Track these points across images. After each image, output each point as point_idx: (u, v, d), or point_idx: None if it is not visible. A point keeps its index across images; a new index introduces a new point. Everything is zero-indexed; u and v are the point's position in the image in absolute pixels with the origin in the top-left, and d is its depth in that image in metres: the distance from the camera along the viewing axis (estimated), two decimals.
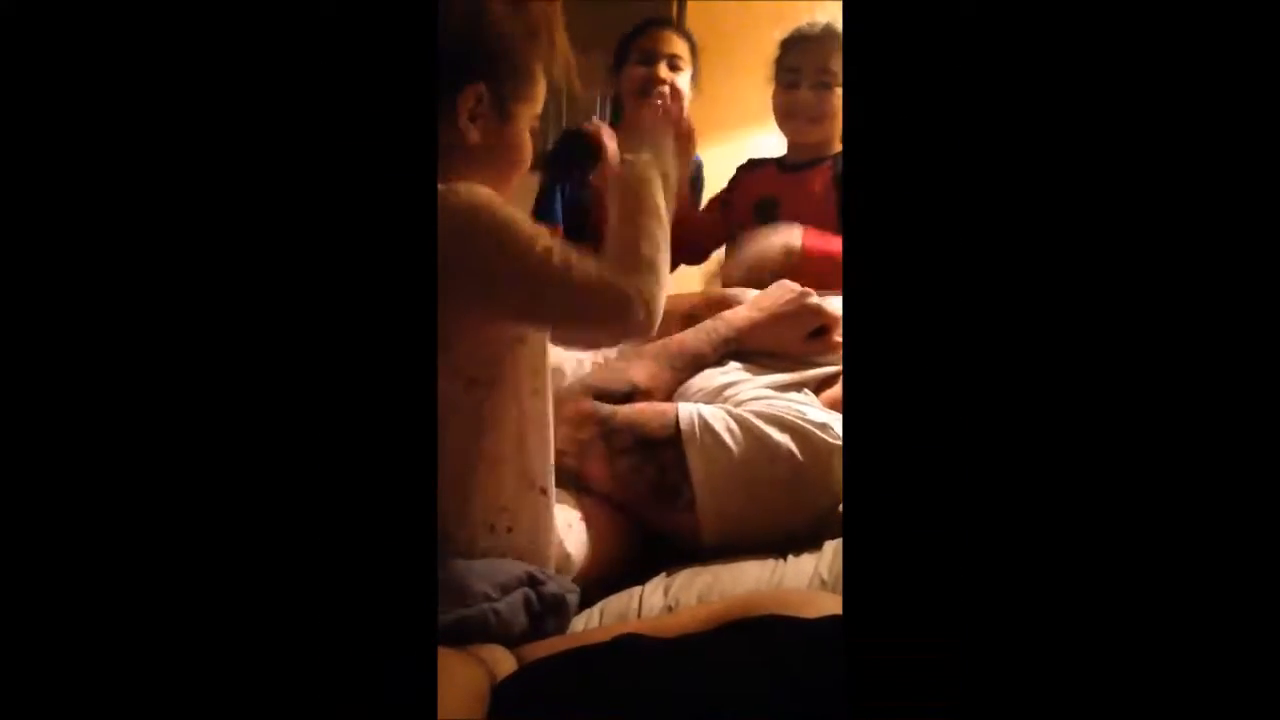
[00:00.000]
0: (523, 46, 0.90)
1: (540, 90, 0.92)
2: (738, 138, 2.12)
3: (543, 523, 0.91)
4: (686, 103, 1.84)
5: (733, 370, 1.15)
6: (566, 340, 0.97)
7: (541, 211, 1.79)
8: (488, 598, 0.77)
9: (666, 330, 1.11)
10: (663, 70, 1.79)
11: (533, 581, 0.81)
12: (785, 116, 1.70)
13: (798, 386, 1.13)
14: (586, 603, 0.89)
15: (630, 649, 0.63)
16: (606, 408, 1.07)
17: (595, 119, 1.83)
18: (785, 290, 1.20)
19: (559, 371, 1.08)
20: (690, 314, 1.23)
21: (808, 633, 0.60)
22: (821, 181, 1.65)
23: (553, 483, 0.93)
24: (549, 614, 0.82)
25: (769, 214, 1.69)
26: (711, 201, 1.85)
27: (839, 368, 1.17)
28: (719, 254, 1.82)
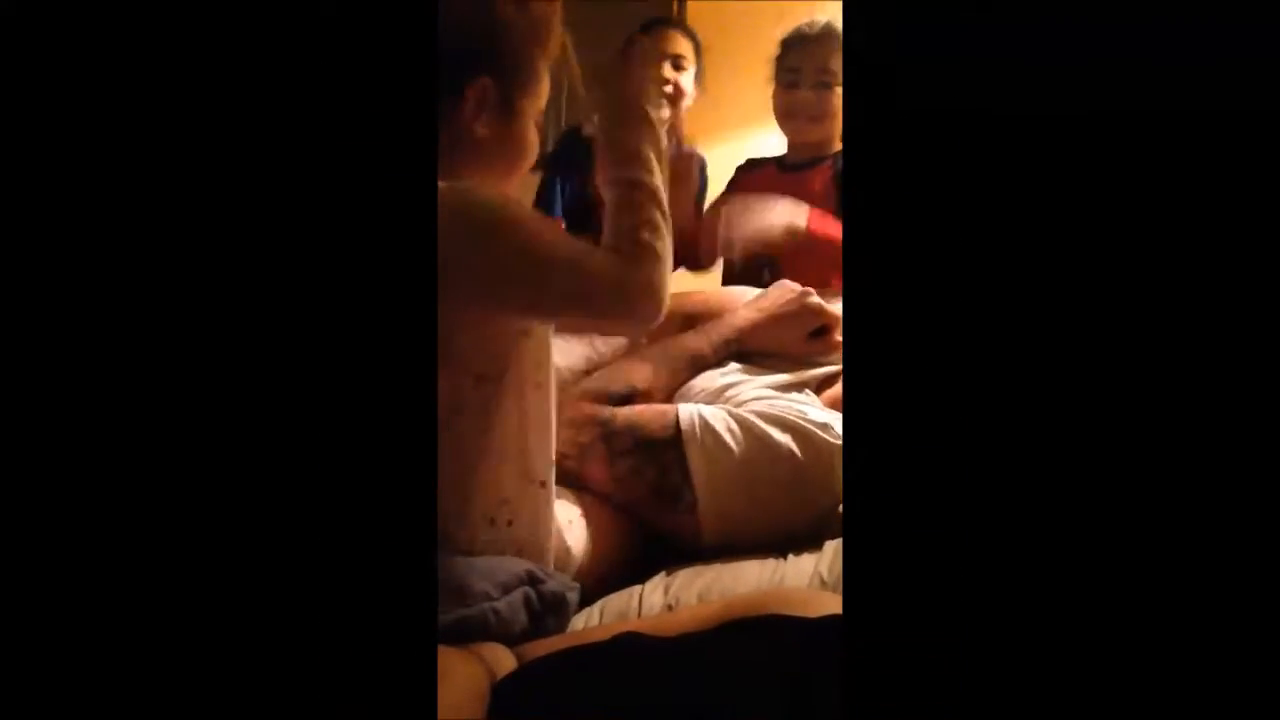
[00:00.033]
0: (527, 42, 0.89)
1: (544, 87, 0.92)
2: (738, 137, 2.13)
3: (543, 517, 0.92)
4: (690, 101, 1.84)
5: (733, 371, 1.15)
6: (574, 330, 0.97)
7: (541, 208, 1.80)
8: (488, 597, 0.77)
9: (666, 331, 1.11)
10: (667, 70, 1.79)
11: (533, 580, 0.82)
12: (785, 116, 1.70)
13: (798, 386, 1.13)
14: (586, 601, 0.90)
15: (630, 647, 0.63)
16: (606, 410, 1.07)
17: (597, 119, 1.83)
18: (786, 290, 1.20)
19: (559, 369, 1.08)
20: (690, 315, 1.23)
21: (808, 632, 0.60)
22: (821, 181, 1.65)
23: (553, 477, 0.93)
24: (549, 613, 0.82)
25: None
26: (713, 206, 1.85)
27: (839, 367, 1.17)
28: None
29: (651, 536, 1.05)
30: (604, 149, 0.91)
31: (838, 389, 1.16)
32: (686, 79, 1.83)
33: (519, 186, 1.00)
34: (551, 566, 0.92)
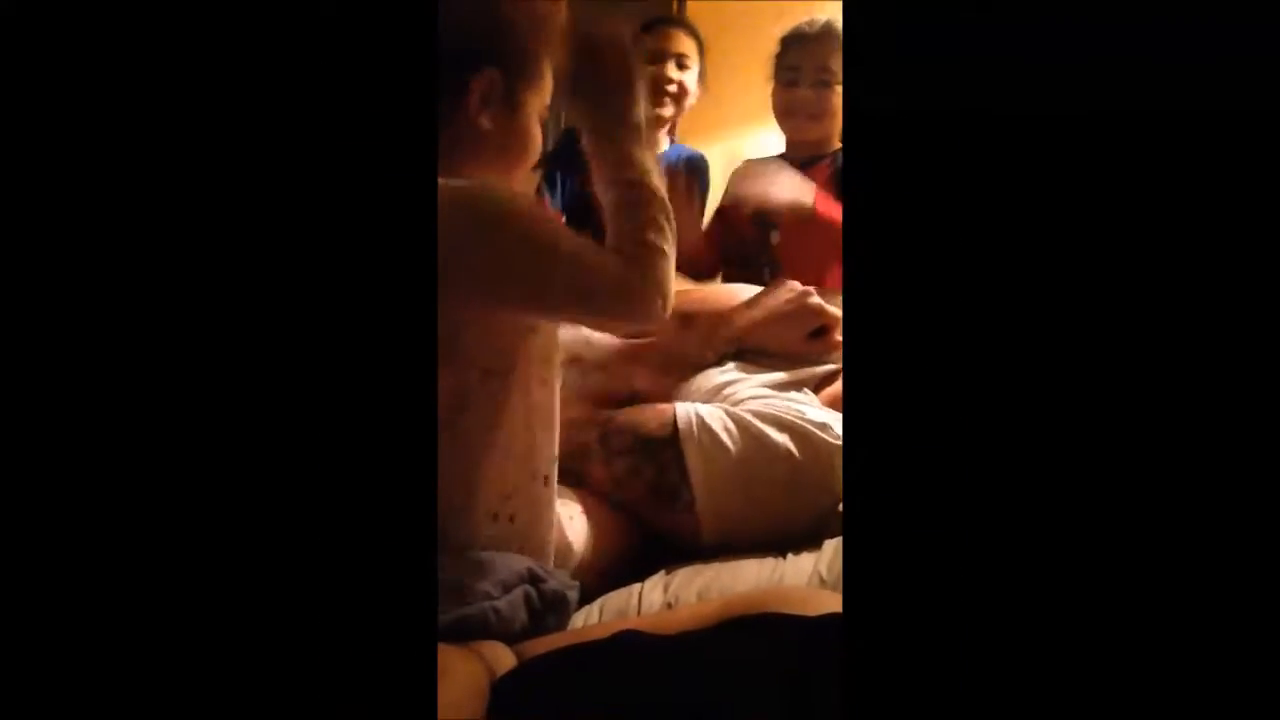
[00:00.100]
0: (532, 37, 0.89)
1: (548, 82, 0.91)
2: (738, 136, 2.13)
3: (545, 513, 0.92)
4: (693, 100, 1.84)
5: (731, 370, 1.15)
6: (578, 324, 0.97)
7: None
8: (488, 595, 0.77)
9: (665, 330, 1.11)
10: (670, 69, 1.80)
11: (534, 579, 0.82)
12: (785, 114, 1.71)
13: (796, 386, 1.13)
14: (586, 599, 0.90)
15: (630, 646, 0.64)
16: (605, 411, 1.07)
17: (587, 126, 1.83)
18: (786, 289, 1.20)
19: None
20: (688, 314, 1.23)
21: (808, 631, 0.60)
22: (821, 179, 1.66)
23: (555, 473, 0.93)
24: (549, 611, 0.82)
25: (768, 215, 1.70)
26: (713, 216, 1.85)
27: (837, 366, 1.17)
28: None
29: (651, 535, 1.05)
30: (597, 155, 0.91)
31: (836, 387, 1.16)
32: (690, 78, 1.84)
33: (520, 184, 0.99)
34: (552, 562, 0.92)
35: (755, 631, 0.62)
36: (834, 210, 1.53)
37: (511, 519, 0.88)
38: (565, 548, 0.95)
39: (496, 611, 0.76)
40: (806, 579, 0.91)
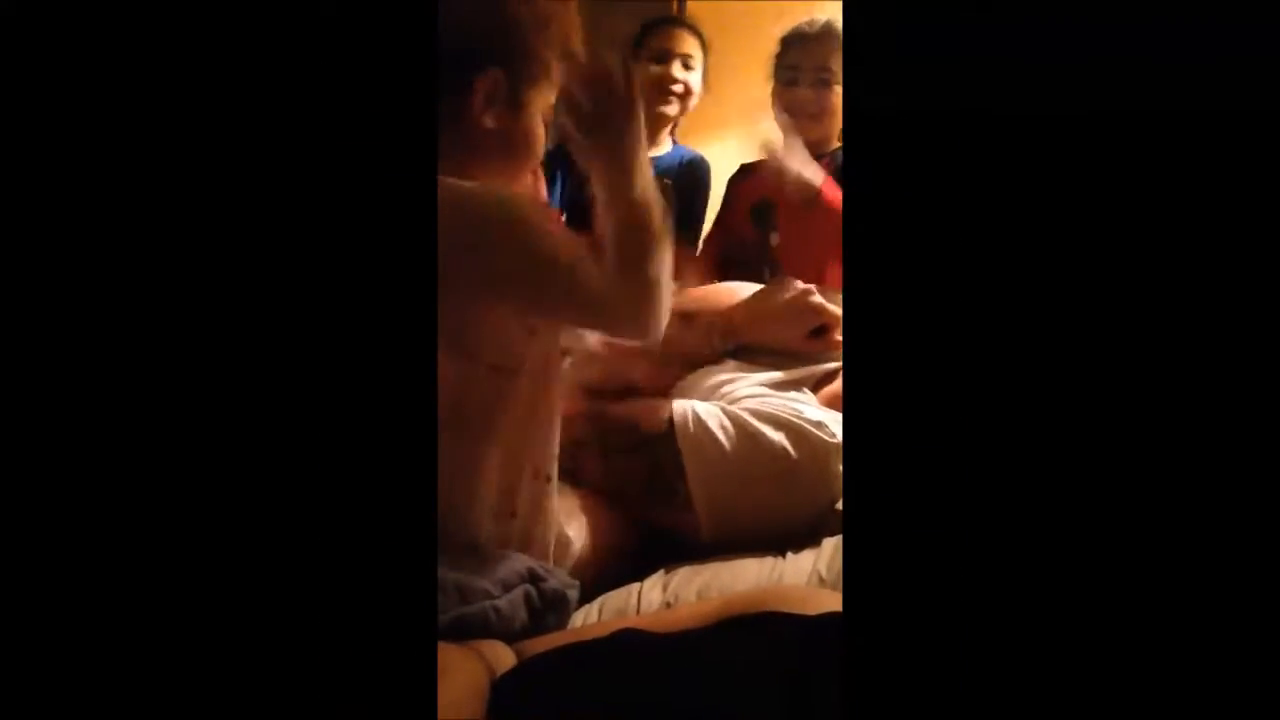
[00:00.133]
0: (536, 36, 0.89)
1: (553, 81, 0.91)
2: (738, 135, 2.13)
3: (545, 510, 0.92)
4: (696, 100, 1.85)
5: (729, 367, 1.15)
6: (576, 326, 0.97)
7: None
8: (488, 594, 0.77)
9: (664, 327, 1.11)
10: (676, 69, 1.80)
11: (534, 578, 0.82)
12: (784, 114, 1.70)
13: (795, 385, 1.13)
14: (585, 598, 0.90)
15: (629, 644, 0.64)
16: (602, 404, 1.07)
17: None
18: (787, 287, 1.20)
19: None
20: (688, 312, 1.23)
21: (807, 630, 0.60)
22: None
23: (555, 470, 0.93)
24: (549, 610, 0.82)
25: (767, 217, 1.70)
26: (712, 226, 1.86)
27: (837, 364, 1.17)
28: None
29: (651, 534, 1.05)
30: (596, 184, 0.90)
31: (835, 386, 1.16)
32: (694, 78, 1.84)
33: (523, 183, 0.99)
34: (552, 559, 0.92)
35: (755, 630, 0.62)
36: (838, 197, 1.53)
37: (513, 516, 0.89)
38: (565, 546, 0.95)
39: (496, 610, 0.76)
40: (806, 578, 0.91)
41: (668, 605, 0.87)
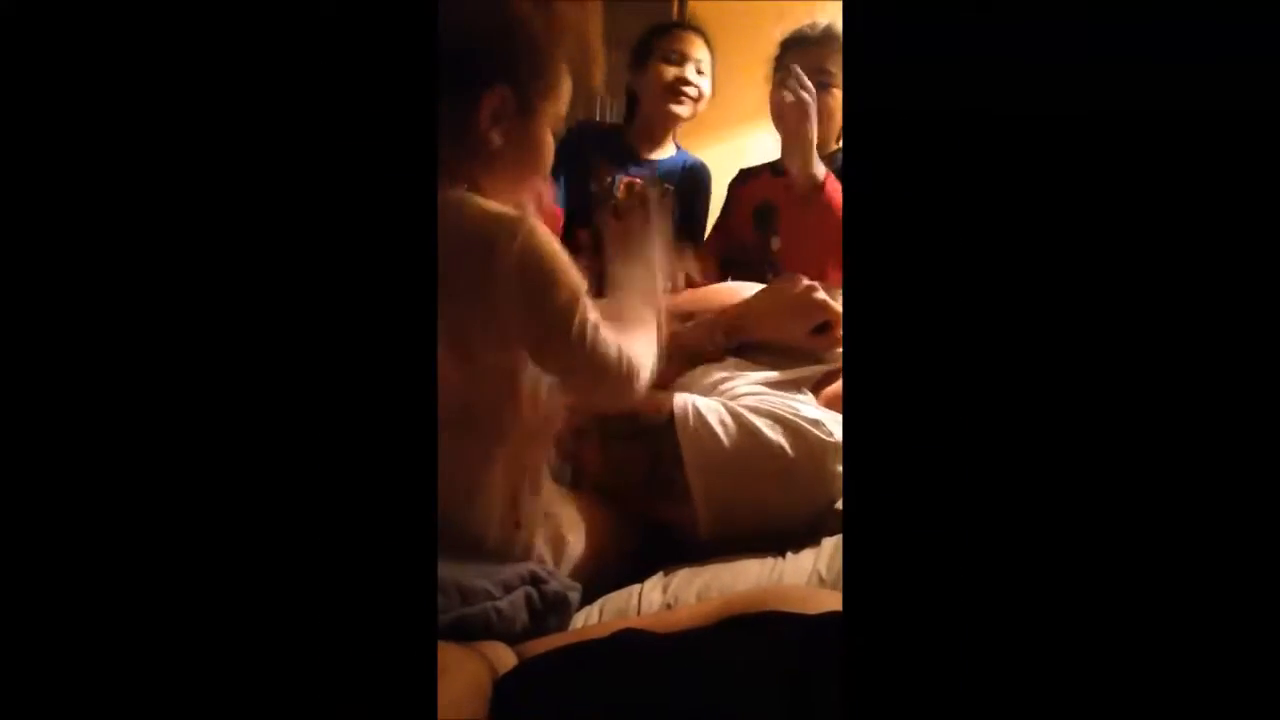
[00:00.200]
0: (550, 46, 0.87)
1: (566, 90, 0.90)
2: (738, 135, 2.13)
3: (547, 518, 0.92)
4: (704, 104, 1.85)
5: (729, 365, 1.15)
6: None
7: None
8: (490, 596, 0.77)
9: (666, 324, 1.12)
10: (690, 72, 1.81)
11: (535, 580, 0.82)
12: (782, 116, 1.70)
13: (794, 385, 1.13)
14: (586, 599, 0.90)
15: (630, 644, 0.64)
16: None
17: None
18: (792, 283, 1.20)
19: None
20: (688, 312, 1.23)
21: (807, 629, 0.60)
22: None
23: (550, 480, 0.94)
24: (550, 612, 0.82)
25: (768, 220, 1.70)
26: (713, 230, 1.86)
27: (836, 365, 1.17)
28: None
29: (650, 533, 1.05)
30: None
31: (836, 387, 1.16)
32: (705, 82, 1.85)
33: (531, 192, 0.98)
34: (552, 564, 0.92)
35: (755, 630, 0.62)
36: (837, 195, 1.52)
37: (517, 525, 0.89)
38: (564, 551, 0.95)
39: (498, 611, 0.76)
40: (806, 578, 0.91)
41: (668, 606, 0.87)
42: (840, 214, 1.51)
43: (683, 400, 1.03)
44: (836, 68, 1.62)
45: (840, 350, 1.18)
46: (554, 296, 0.82)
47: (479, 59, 0.83)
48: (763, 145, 1.87)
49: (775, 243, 1.68)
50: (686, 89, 1.82)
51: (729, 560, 0.95)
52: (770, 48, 1.72)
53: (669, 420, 1.01)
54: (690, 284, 1.78)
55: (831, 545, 0.95)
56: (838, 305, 1.18)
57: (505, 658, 0.68)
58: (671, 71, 1.81)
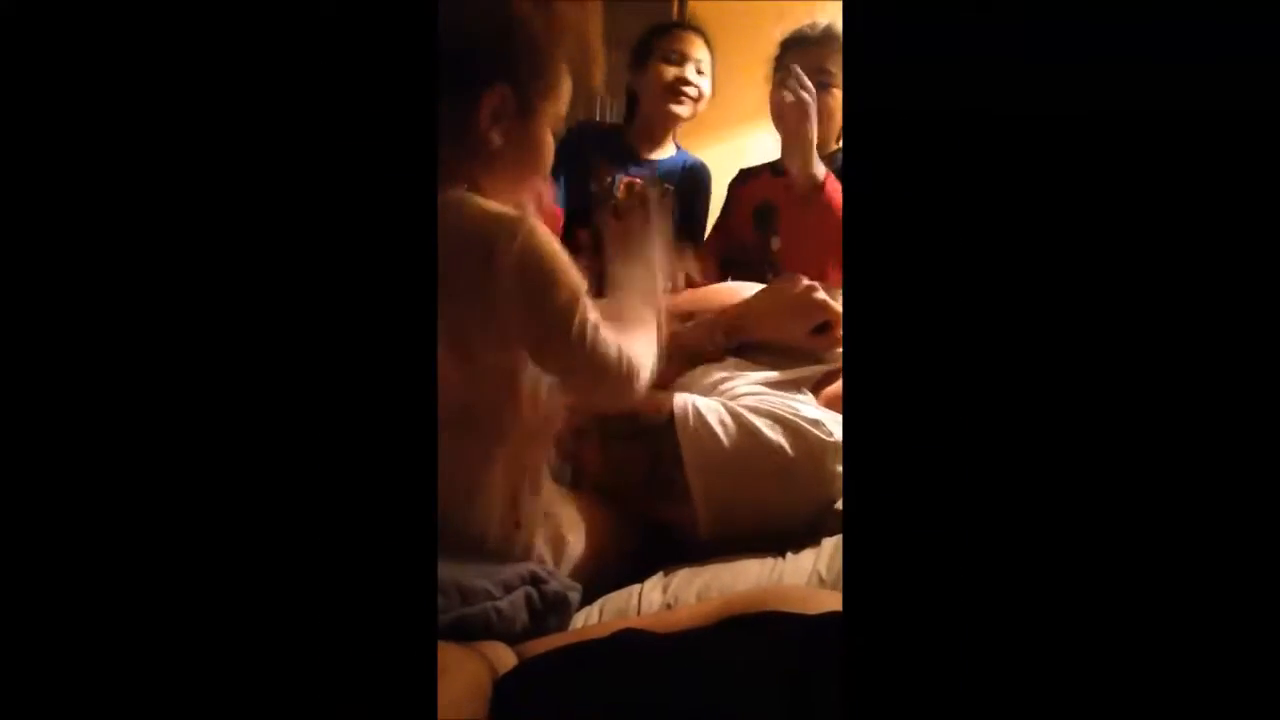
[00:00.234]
0: (550, 46, 0.87)
1: (566, 90, 0.89)
2: (739, 136, 2.13)
3: (547, 518, 0.92)
4: (704, 105, 1.85)
5: (730, 366, 1.15)
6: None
7: None
8: (490, 595, 0.77)
9: (667, 325, 1.12)
10: (691, 73, 1.82)
11: (535, 580, 0.82)
12: (782, 115, 1.70)
13: (793, 385, 1.13)
14: (586, 599, 0.90)
15: (630, 644, 0.64)
16: None
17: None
18: (793, 283, 1.20)
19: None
20: (688, 312, 1.23)
21: (807, 629, 0.60)
22: None
23: (550, 480, 0.94)
24: (551, 612, 0.82)
25: (768, 220, 1.70)
26: (713, 229, 1.86)
27: (836, 365, 1.17)
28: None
29: (650, 534, 1.05)
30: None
31: (836, 387, 1.16)
32: (705, 82, 1.85)
33: (531, 191, 0.98)
34: (552, 563, 0.92)
35: (755, 631, 0.62)
36: (837, 195, 1.52)
37: (517, 525, 0.89)
38: (565, 551, 0.95)
39: (498, 611, 0.76)
40: (806, 578, 0.91)
41: (668, 606, 0.87)
42: (840, 214, 1.51)
43: (683, 400, 1.03)
44: (836, 68, 1.62)
45: (840, 350, 1.18)
46: (554, 296, 0.82)
47: (479, 59, 0.83)
48: (763, 145, 1.87)
49: (775, 243, 1.68)
50: (687, 89, 1.82)
51: (729, 560, 0.95)
52: (770, 48, 1.72)
53: (669, 420, 1.01)
54: (690, 284, 1.78)
55: (832, 545, 0.95)
56: (838, 305, 1.17)
57: (505, 658, 0.68)
58: (672, 71, 1.81)
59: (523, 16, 0.85)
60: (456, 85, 0.80)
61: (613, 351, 0.85)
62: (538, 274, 0.81)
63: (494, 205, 0.82)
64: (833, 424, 1.04)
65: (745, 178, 1.84)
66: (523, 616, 0.79)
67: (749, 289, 1.28)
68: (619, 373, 0.86)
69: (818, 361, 1.17)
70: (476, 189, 0.85)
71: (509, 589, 0.80)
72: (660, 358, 0.93)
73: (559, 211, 1.66)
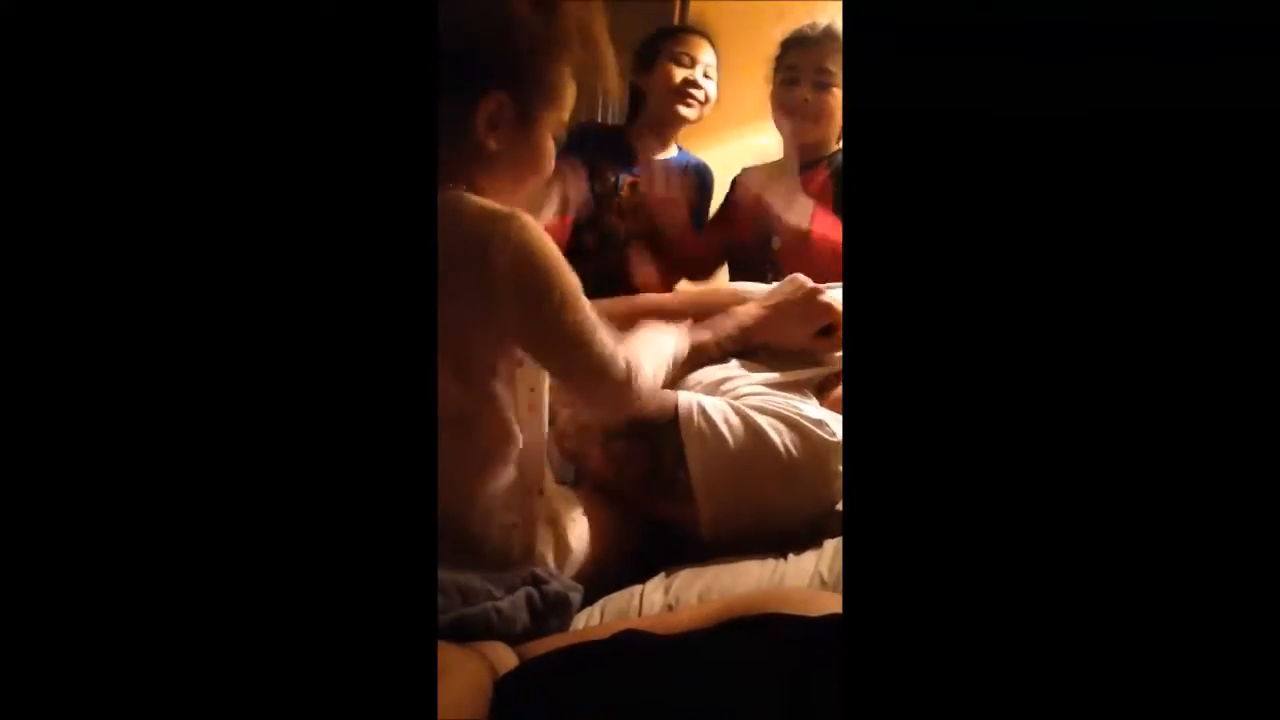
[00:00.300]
0: (551, 51, 0.86)
1: (569, 96, 0.89)
2: (739, 136, 2.13)
3: (545, 521, 0.92)
4: (709, 108, 1.86)
5: (733, 367, 1.15)
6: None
7: None
8: (490, 596, 0.77)
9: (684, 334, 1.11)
10: (699, 76, 1.82)
11: (536, 581, 0.82)
12: (783, 116, 1.70)
13: (795, 385, 1.13)
14: (587, 600, 0.90)
15: (631, 645, 0.64)
16: None
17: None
18: (797, 286, 1.20)
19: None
20: (690, 313, 1.23)
21: (808, 631, 0.60)
22: (819, 182, 1.66)
23: (551, 482, 0.94)
24: (551, 613, 0.82)
25: (768, 220, 1.70)
26: (712, 220, 1.86)
27: (839, 368, 1.17)
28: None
29: (652, 534, 1.05)
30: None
31: (839, 390, 1.16)
32: (712, 86, 1.86)
33: (530, 196, 0.98)
34: (554, 564, 0.92)
35: (756, 632, 0.62)
36: (831, 230, 1.54)
37: (515, 527, 0.89)
38: (566, 553, 0.95)
39: (499, 612, 0.76)
40: (808, 580, 0.91)
41: (669, 607, 0.87)
42: (834, 242, 1.52)
43: (687, 398, 1.03)
44: (836, 68, 1.62)
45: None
46: (550, 292, 0.82)
47: (479, 60, 0.83)
48: (763, 146, 1.86)
49: (775, 242, 1.68)
50: (695, 92, 1.82)
51: (731, 562, 0.95)
52: (770, 48, 1.72)
53: (673, 418, 1.01)
54: (690, 279, 1.78)
55: (833, 547, 0.95)
56: (840, 308, 1.17)
57: (506, 658, 0.68)
58: (681, 74, 1.81)
59: (523, 18, 0.84)
60: (456, 87, 0.80)
61: (612, 353, 0.85)
62: (531, 269, 0.81)
63: (487, 203, 0.82)
64: (837, 425, 1.04)
65: (747, 175, 1.84)
66: (523, 617, 0.79)
67: (753, 289, 1.28)
68: (619, 376, 0.85)
69: (819, 364, 1.17)
70: (475, 190, 0.85)
71: (510, 589, 0.80)
72: (674, 368, 0.92)
73: (567, 220, 1.67)
